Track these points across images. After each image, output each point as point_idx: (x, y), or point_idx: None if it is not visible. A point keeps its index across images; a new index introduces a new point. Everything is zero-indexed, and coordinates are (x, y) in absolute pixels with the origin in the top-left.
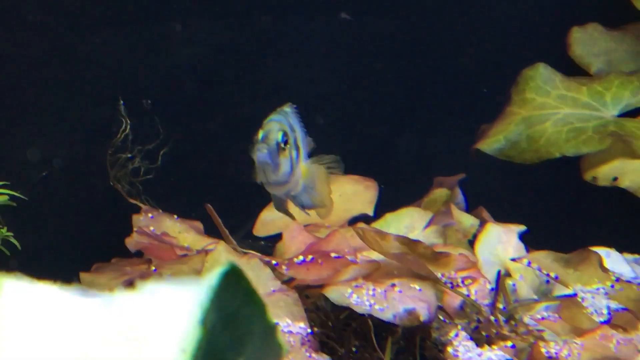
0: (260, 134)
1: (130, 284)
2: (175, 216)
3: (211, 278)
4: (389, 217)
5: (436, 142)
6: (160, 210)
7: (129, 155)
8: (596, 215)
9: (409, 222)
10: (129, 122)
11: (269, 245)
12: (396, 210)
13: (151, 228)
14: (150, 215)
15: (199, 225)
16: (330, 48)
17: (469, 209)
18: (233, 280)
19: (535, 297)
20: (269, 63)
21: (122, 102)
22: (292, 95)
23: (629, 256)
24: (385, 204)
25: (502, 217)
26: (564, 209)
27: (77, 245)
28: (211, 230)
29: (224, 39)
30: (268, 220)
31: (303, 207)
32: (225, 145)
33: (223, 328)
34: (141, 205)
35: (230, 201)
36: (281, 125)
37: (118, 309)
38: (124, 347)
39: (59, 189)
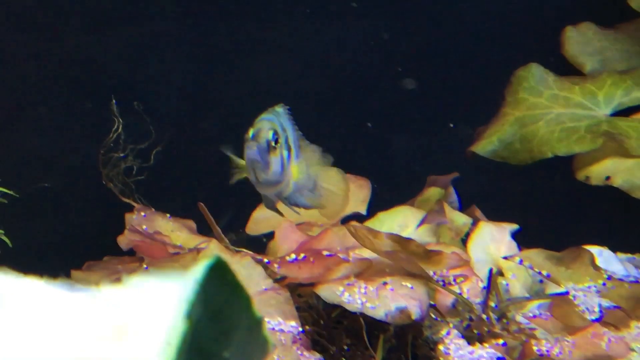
0: (251, 132)
1: (118, 281)
2: (168, 215)
3: (197, 272)
4: (382, 215)
5: (429, 141)
6: (153, 209)
7: (122, 155)
8: (589, 214)
9: (401, 221)
10: (121, 121)
11: (262, 241)
12: (389, 209)
13: (144, 227)
14: (143, 213)
15: (192, 224)
16: (323, 47)
17: (462, 207)
18: (219, 274)
19: (527, 295)
20: (262, 62)
21: (114, 101)
22: (285, 95)
23: (622, 255)
24: (379, 203)
25: (495, 215)
26: (556, 208)
27: (69, 244)
28: (204, 229)
29: (217, 39)
30: (260, 219)
31: (298, 206)
32: (218, 145)
33: (209, 321)
34: (134, 204)
35: (223, 200)
36: (272, 124)
37: (104, 302)
38: (109, 340)
39: (52, 187)
